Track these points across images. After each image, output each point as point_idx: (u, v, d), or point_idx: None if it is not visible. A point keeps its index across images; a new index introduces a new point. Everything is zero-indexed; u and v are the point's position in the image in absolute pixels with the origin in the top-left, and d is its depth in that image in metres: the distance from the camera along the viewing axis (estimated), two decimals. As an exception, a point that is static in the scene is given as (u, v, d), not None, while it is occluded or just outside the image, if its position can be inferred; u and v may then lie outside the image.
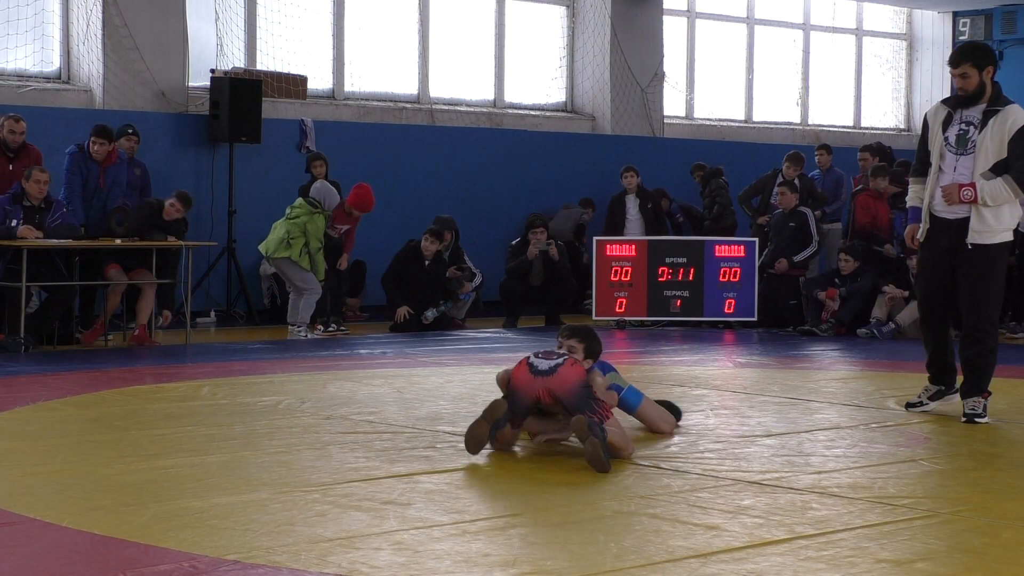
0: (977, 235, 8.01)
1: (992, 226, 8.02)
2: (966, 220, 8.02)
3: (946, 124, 8.09)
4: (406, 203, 16.19)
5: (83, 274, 12.32)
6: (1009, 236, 8.16)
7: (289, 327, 13.44)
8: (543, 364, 6.81)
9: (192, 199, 12.91)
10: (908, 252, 8.92)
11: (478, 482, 6.25)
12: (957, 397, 8.33)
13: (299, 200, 13.68)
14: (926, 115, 8.32)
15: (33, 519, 5.31)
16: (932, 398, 8.46)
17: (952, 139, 8.05)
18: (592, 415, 6.61)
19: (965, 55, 8.08)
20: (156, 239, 12.23)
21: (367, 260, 15.22)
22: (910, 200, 8.41)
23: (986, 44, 8.25)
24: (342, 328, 13.78)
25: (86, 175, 12.80)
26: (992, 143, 7.93)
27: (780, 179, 15.58)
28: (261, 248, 13.67)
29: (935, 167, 8.11)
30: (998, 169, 7.93)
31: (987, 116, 7.97)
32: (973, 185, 7.92)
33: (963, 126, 8.03)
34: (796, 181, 15.41)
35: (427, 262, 14.20)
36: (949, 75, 8.36)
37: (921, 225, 8.21)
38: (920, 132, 8.40)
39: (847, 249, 14.47)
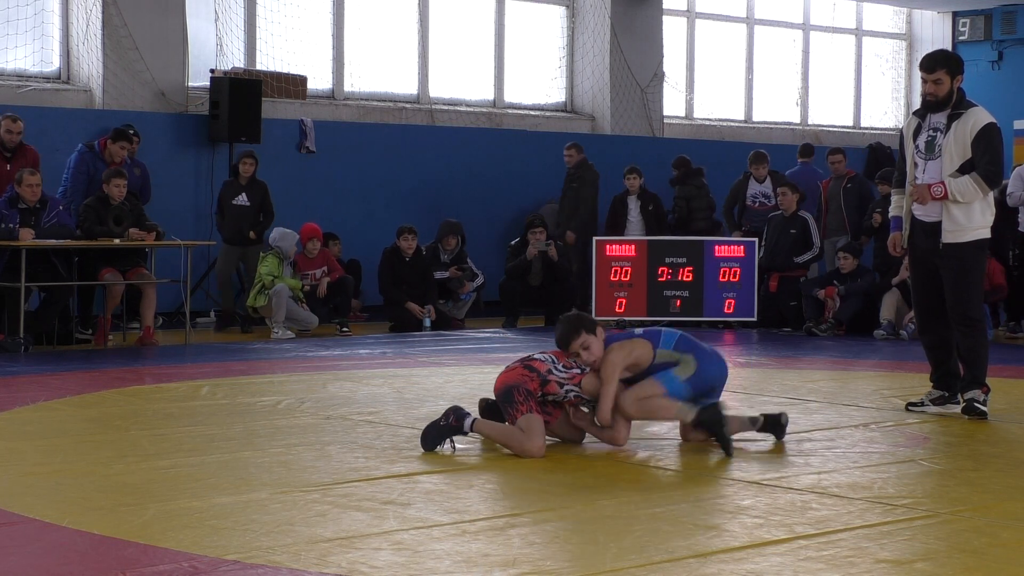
0: (950, 235, 8.20)
1: (963, 225, 8.19)
2: (940, 222, 8.20)
3: (916, 133, 8.31)
4: (406, 203, 16.19)
5: (81, 274, 12.31)
6: (983, 234, 8.30)
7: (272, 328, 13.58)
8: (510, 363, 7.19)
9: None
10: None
11: (478, 482, 6.25)
12: (959, 409, 8.35)
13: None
14: (901, 128, 8.55)
15: (33, 519, 5.31)
16: (935, 402, 8.49)
17: (922, 146, 8.26)
18: (511, 409, 6.87)
19: (940, 61, 8.23)
20: (117, 232, 12.14)
21: (365, 260, 15.22)
22: (892, 210, 8.62)
23: (957, 53, 8.42)
24: (345, 328, 13.80)
25: (93, 175, 12.81)
26: (956, 145, 8.13)
27: (751, 181, 15.80)
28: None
29: (910, 175, 8.32)
30: (965, 169, 8.12)
31: (951, 120, 8.16)
32: (942, 183, 8.11)
33: (931, 132, 8.24)
34: (769, 179, 15.62)
35: (407, 258, 14.24)
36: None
37: (902, 232, 8.39)
38: (899, 144, 8.61)
39: (846, 247, 14.52)
